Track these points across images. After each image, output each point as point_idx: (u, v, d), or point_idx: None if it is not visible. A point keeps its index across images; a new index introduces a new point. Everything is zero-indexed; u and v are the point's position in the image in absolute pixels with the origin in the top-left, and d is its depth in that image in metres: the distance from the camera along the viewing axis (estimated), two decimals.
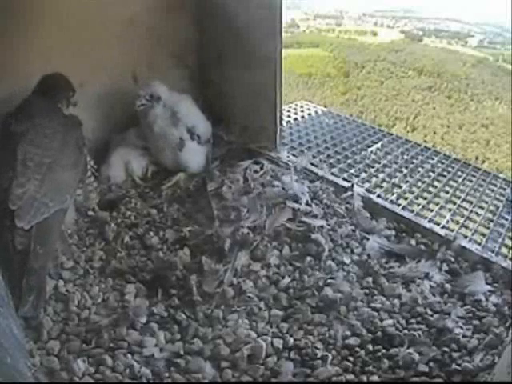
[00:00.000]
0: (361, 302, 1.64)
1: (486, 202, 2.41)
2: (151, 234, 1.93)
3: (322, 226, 1.96)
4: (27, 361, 1.34)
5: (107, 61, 2.24)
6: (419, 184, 2.52)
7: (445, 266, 1.82)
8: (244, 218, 1.97)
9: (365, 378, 1.38)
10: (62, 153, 1.77)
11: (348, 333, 1.52)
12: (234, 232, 1.89)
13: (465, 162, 2.83)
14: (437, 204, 2.34)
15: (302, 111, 3.45)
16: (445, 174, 2.66)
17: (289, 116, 3.31)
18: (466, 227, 2.18)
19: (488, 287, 1.71)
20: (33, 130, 1.75)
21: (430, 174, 2.64)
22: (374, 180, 2.50)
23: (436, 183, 2.55)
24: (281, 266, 1.80)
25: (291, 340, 1.49)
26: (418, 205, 2.31)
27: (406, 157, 2.80)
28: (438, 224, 2.12)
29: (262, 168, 2.36)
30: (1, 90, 1.90)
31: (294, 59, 11.91)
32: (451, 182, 2.58)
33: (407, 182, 2.52)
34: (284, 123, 2.99)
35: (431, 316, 1.58)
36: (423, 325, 1.56)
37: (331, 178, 2.36)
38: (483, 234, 2.13)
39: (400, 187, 2.45)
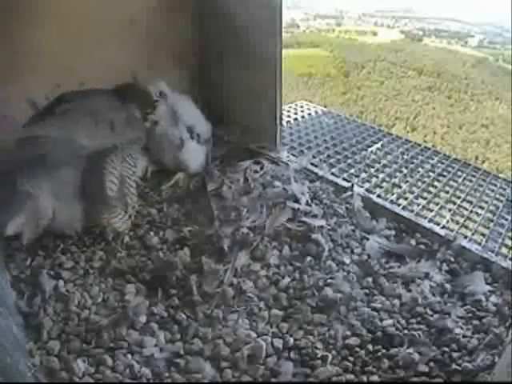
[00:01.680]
0: (361, 302, 1.64)
1: (486, 202, 2.41)
2: (151, 233, 1.94)
3: (321, 226, 1.96)
4: (27, 361, 1.34)
5: (107, 61, 2.24)
6: (419, 184, 2.52)
7: (445, 266, 1.82)
8: (244, 218, 1.97)
9: (365, 378, 1.38)
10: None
11: (348, 333, 1.52)
12: (233, 232, 1.89)
13: (465, 162, 2.83)
14: (437, 204, 2.34)
15: (302, 111, 3.45)
16: (445, 173, 2.66)
17: (289, 116, 3.31)
18: (466, 227, 2.18)
19: (488, 287, 1.71)
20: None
21: (430, 174, 2.64)
22: (374, 180, 2.50)
23: (436, 183, 2.55)
24: (281, 266, 1.80)
25: (291, 340, 1.48)
26: (418, 205, 2.31)
27: (406, 157, 2.80)
28: (438, 224, 2.12)
29: (262, 168, 2.36)
30: (1, 91, 1.90)
31: (294, 59, 11.89)
32: (451, 182, 2.58)
33: (407, 181, 2.52)
34: (284, 123, 2.99)
35: (431, 316, 1.58)
36: (423, 325, 1.56)
37: (331, 177, 2.36)
38: (483, 234, 2.13)
39: (400, 187, 2.45)
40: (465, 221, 2.22)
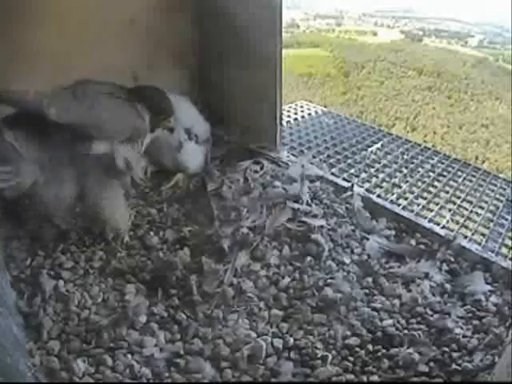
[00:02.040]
0: (361, 302, 1.64)
1: (486, 202, 2.41)
2: (151, 233, 1.94)
3: (321, 226, 1.96)
4: (27, 361, 1.34)
5: (107, 61, 2.24)
6: (419, 184, 2.52)
7: (445, 266, 1.82)
8: (244, 218, 1.97)
9: (365, 378, 1.38)
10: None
11: (348, 333, 1.52)
12: (234, 232, 1.89)
13: (465, 162, 2.84)
14: (437, 204, 2.34)
15: (302, 111, 3.45)
16: (445, 174, 2.66)
17: (289, 116, 3.31)
18: (466, 227, 2.18)
19: (488, 287, 1.71)
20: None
21: (430, 174, 2.64)
22: (374, 180, 2.50)
23: (436, 183, 2.56)
24: (281, 266, 1.80)
25: (291, 340, 1.49)
26: (418, 205, 2.31)
27: (406, 157, 2.80)
28: (438, 224, 2.12)
29: (262, 168, 2.36)
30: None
31: (294, 59, 11.89)
32: (451, 182, 2.58)
33: (407, 181, 2.52)
34: (284, 123, 2.99)
35: (431, 316, 1.58)
36: (423, 325, 1.56)
37: (331, 177, 2.37)
38: (483, 234, 2.13)
39: (400, 187, 2.45)
40: (465, 221, 2.22)
